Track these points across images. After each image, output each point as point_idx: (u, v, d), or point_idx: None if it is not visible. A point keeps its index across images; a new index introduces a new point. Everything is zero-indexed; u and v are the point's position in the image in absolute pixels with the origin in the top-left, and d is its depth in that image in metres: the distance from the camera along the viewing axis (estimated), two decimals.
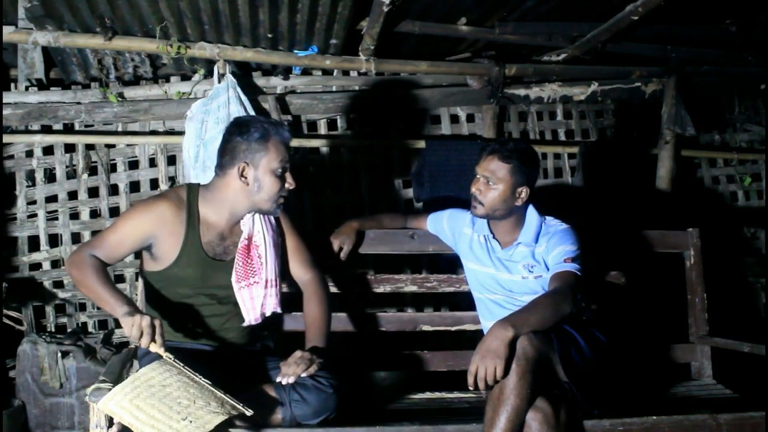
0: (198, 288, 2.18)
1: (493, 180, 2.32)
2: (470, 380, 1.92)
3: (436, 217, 2.66)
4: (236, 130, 2.18)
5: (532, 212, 2.42)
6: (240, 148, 2.15)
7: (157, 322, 1.91)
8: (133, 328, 1.88)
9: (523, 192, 2.35)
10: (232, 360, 2.18)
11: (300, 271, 2.38)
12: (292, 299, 2.48)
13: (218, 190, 2.20)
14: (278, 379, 2.04)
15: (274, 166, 2.15)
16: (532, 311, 2.05)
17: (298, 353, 2.11)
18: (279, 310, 2.28)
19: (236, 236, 2.23)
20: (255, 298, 2.21)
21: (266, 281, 2.22)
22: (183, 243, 2.15)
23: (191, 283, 2.18)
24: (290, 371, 2.03)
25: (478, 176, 2.37)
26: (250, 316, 2.22)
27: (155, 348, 1.91)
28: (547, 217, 2.43)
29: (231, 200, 2.19)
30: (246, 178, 2.15)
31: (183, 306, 2.19)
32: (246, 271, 2.20)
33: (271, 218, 2.31)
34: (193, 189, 2.24)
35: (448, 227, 2.61)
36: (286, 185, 2.19)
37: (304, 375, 2.03)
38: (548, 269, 2.31)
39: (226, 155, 2.18)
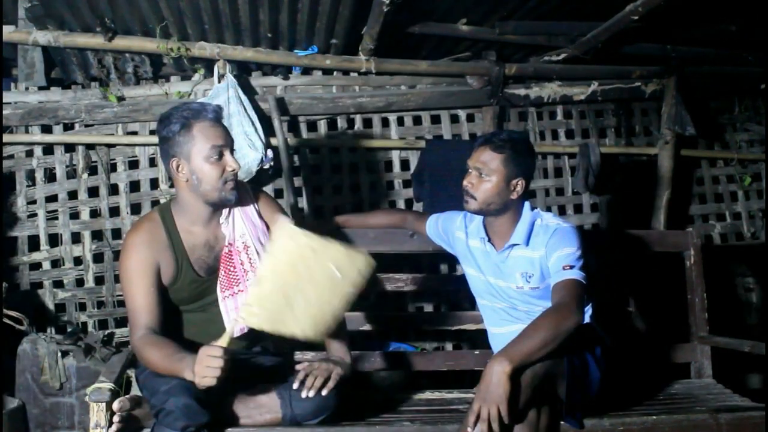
0: (193, 303, 2.14)
1: (485, 171, 2.20)
2: (471, 419, 1.82)
3: (433, 223, 2.56)
4: (160, 126, 2.03)
5: (526, 209, 2.28)
6: (168, 144, 2.01)
7: (211, 351, 1.77)
8: (205, 379, 1.75)
9: (519, 184, 2.22)
10: (231, 359, 2.17)
11: None
12: None
13: (178, 196, 2.10)
14: (303, 394, 1.98)
15: (206, 153, 1.98)
16: (531, 336, 1.91)
17: (315, 364, 2.06)
18: None
19: (222, 242, 2.13)
20: (240, 308, 2.09)
21: None
22: (175, 270, 2.07)
23: (186, 301, 2.13)
24: (309, 383, 1.99)
25: (470, 169, 2.24)
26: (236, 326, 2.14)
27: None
28: (543, 214, 2.28)
29: (189, 202, 2.07)
30: (183, 173, 2.01)
31: (181, 317, 2.15)
32: (229, 281, 2.11)
33: (254, 216, 2.18)
34: (166, 207, 2.14)
35: (443, 230, 2.51)
36: (228, 168, 2.01)
37: (324, 392, 1.98)
38: (550, 276, 2.16)
39: (163, 157, 2.06)
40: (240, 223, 2.14)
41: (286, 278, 1.81)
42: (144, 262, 2.01)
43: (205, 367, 1.74)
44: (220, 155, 2.01)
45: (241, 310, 1.83)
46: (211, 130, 2.00)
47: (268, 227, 2.20)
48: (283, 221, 1.87)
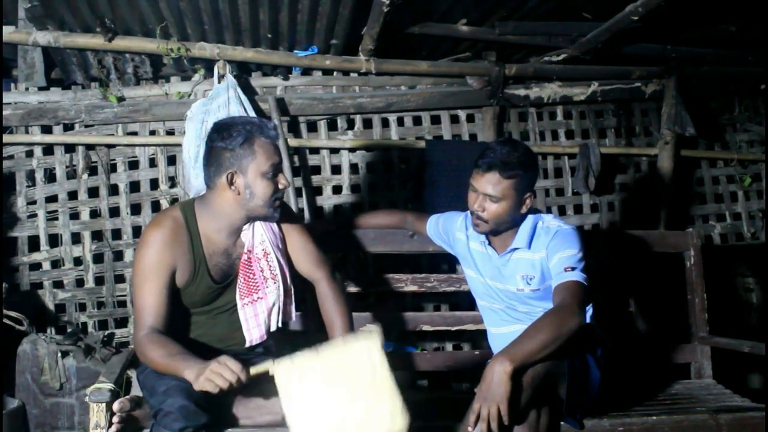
0: (203, 306, 2.13)
1: (495, 197, 2.14)
2: (472, 418, 1.83)
3: (434, 223, 2.56)
4: (217, 136, 2.01)
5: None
6: (224, 155, 1.99)
7: (223, 366, 1.74)
8: (208, 383, 1.71)
9: (528, 199, 2.20)
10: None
11: (311, 268, 2.25)
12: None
13: (213, 203, 2.06)
14: None
15: (264, 170, 2.00)
16: (532, 337, 1.91)
17: None
18: (293, 318, 2.24)
19: (241, 249, 2.13)
20: (259, 315, 2.11)
21: (277, 295, 2.12)
22: (191, 273, 2.05)
23: (198, 304, 2.12)
24: None
25: (476, 193, 2.17)
26: (254, 334, 2.12)
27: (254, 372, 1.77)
28: (544, 216, 2.27)
29: (227, 212, 2.04)
30: (236, 186, 2.00)
31: (188, 317, 2.14)
32: (249, 288, 2.10)
33: (273, 225, 2.19)
34: (188, 207, 2.09)
35: (443, 231, 2.51)
36: (280, 186, 2.04)
37: None
38: (551, 277, 2.16)
39: (211, 165, 2.03)
40: (260, 230, 2.14)
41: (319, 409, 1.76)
42: (161, 262, 1.99)
43: (217, 374, 1.72)
44: (276, 173, 2.03)
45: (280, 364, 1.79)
46: (271, 147, 2.02)
47: (283, 236, 2.22)
48: (273, 366, 1.79)
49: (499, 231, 2.24)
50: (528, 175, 2.18)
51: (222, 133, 2.01)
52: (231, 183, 2.01)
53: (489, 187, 2.14)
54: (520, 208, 2.19)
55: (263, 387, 2.04)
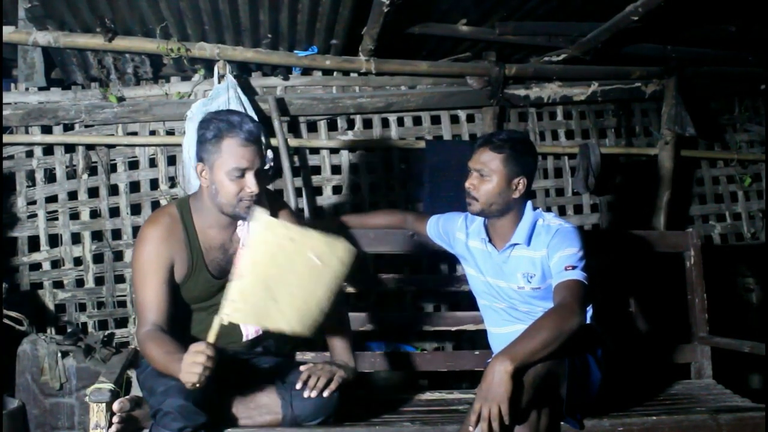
0: (203, 302, 2.14)
1: (485, 172, 2.20)
2: (473, 418, 1.83)
3: (434, 223, 2.56)
4: (199, 127, 2.05)
5: (528, 209, 2.27)
6: (201, 147, 2.03)
7: (196, 353, 1.75)
8: (189, 375, 1.74)
9: (520, 183, 2.21)
10: (232, 359, 2.17)
11: None
12: None
13: (201, 196, 2.09)
14: (305, 394, 1.99)
15: (227, 169, 1.97)
16: (533, 336, 1.90)
17: (319, 365, 2.06)
18: None
19: (237, 244, 2.12)
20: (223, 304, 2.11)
21: None
22: (189, 268, 2.07)
23: (198, 300, 2.13)
24: (312, 383, 1.99)
25: (471, 171, 2.25)
26: (249, 329, 2.14)
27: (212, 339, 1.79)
28: (545, 214, 2.27)
29: (208, 205, 2.07)
30: (204, 179, 2.03)
31: (190, 313, 2.15)
32: None
33: None
34: (184, 203, 2.13)
35: (443, 231, 2.51)
36: (246, 189, 1.99)
37: (326, 394, 1.98)
38: (551, 276, 2.16)
39: (196, 155, 2.08)
40: None
41: (267, 271, 1.80)
42: (159, 258, 2.01)
43: (190, 364, 1.74)
44: (242, 175, 2.00)
45: (224, 305, 1.80)
46: (239, 150, 1.97)
47: None
48: (259, 213, 1.84)
49: (490, 213, 2.25)
50: (519, 157, 2.22)
51: (202, 125, 2.04)
52: (200, 174, 2.04)
53: (479, 162, 2.22)
54: (512, 192, 2.22)
55: (263, 387, 2.06)
